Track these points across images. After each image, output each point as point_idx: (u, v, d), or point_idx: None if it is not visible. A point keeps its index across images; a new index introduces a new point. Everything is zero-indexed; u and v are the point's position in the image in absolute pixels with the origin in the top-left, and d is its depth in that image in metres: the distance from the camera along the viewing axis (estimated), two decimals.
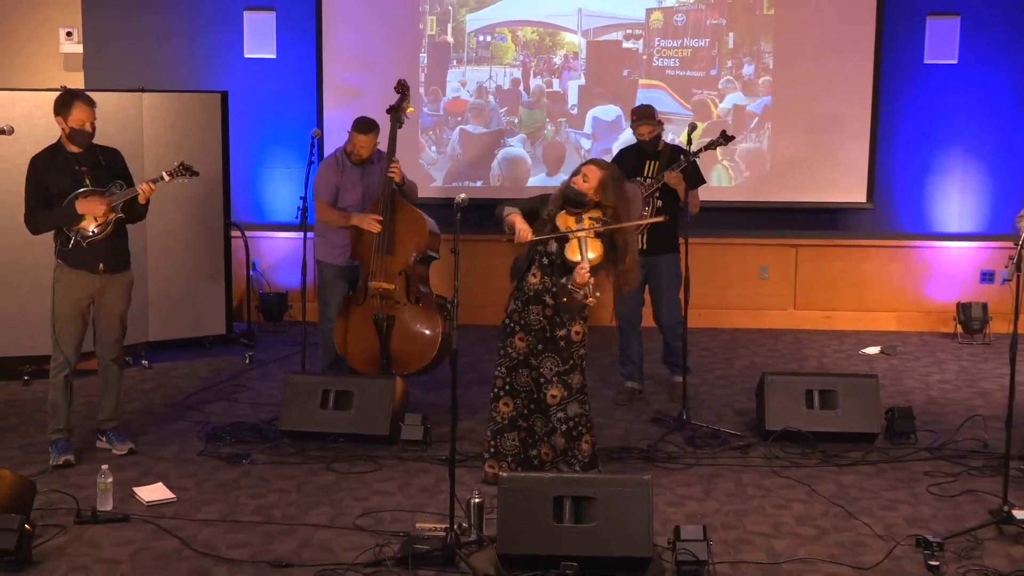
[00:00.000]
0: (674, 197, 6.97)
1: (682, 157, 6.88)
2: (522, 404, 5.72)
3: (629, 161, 7.14)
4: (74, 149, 5.92)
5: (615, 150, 9.17)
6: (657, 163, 7.00)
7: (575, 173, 5.70)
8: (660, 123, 7.13)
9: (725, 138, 6.98)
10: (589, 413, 5.77)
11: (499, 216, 5.74)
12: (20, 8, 9.63)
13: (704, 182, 7.26)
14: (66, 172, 5.90)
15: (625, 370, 7.37)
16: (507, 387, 5.73)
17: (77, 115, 5.85)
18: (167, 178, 6.04)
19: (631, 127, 7.21)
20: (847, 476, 5.98)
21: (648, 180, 6.95)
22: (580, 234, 5.49)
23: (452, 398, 5.09)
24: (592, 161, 5.79)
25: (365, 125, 7.02)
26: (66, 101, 5.88)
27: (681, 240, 6.93)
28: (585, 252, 5.45)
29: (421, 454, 6.23)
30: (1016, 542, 5.10)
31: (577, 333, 5.69)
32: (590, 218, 5.57)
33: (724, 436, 6.55)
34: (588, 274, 5.39)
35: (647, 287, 7.20)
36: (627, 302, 7.20)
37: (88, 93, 6.11)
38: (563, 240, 5.56)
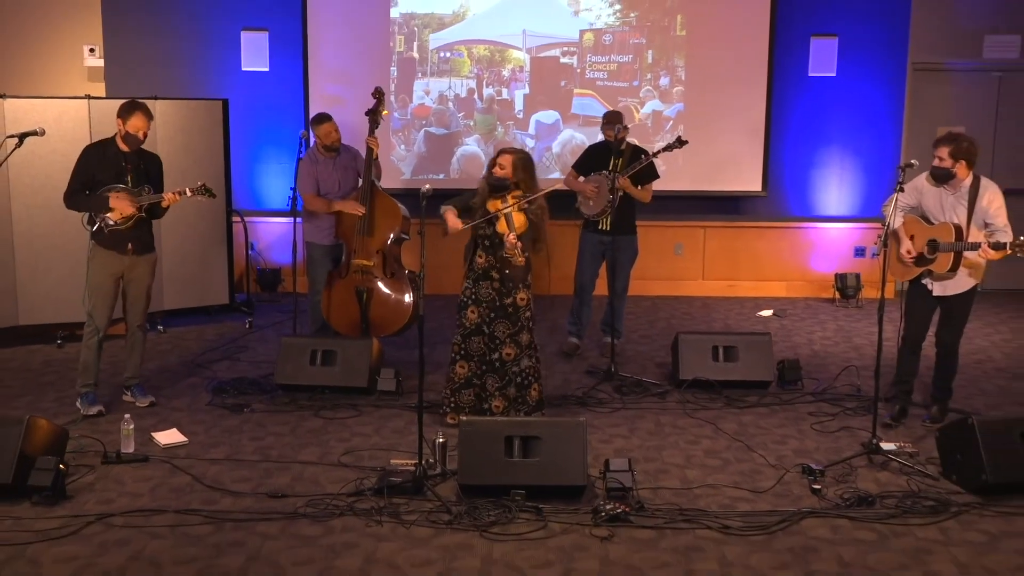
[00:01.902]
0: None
1: (643, 157, 6.88)
2: (475, 366, 5.70)
3: (597, 156, 7.15)
4: (124, 148, 5.85)
5: (555, 148, 9.23)
6: (621, 160, 6.99)
7: (491, 164, 5.68)
8: (626, 127, 7.10)
9: (680, 142, 6.93)
10: (537, 366, 5.78)
11: (441, 214, 5.71)
12: (49, 29, 9.48)
13: (658, 177, 7.21)
14: (113, 166, 5.84)
15: (573, 328, 7.39)
16: (462, 352, 5.72)
17: (135, 122, 5.80)
18: (189, 194, 5.95)
19: (602, 129, 7.17)
20: (746, 416, 6.04)
21: (614, 174, 6.94)
22: (506, 211, 5.50)
23: (420, 356, 5.08)
24: (503, 150, 5.73)
25: (318, 117, 7.12)
26: (130, 109, 5.83)
27: (642, 223, 6.95)
28: (512, 224, 5.47)
29: (394, 402, 6.21)
30: (882, 468, 5.19)
31: (522, 299, 5.69)
32: (513, 197, 5.57)
33: (646, 385, 6.58)
34: (516, 240, 5.41)
35: (605, 260, 7.20)
36: (586, 273, 7.23)
37: (113, 100, 6.01)
38: (495, 220, 5.57)
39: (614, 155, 7.01)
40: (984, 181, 5.58)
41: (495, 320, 5.66)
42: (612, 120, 7.07)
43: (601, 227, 7.06)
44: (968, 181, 5.56)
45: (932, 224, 5.64)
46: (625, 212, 6.99)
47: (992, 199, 5.51)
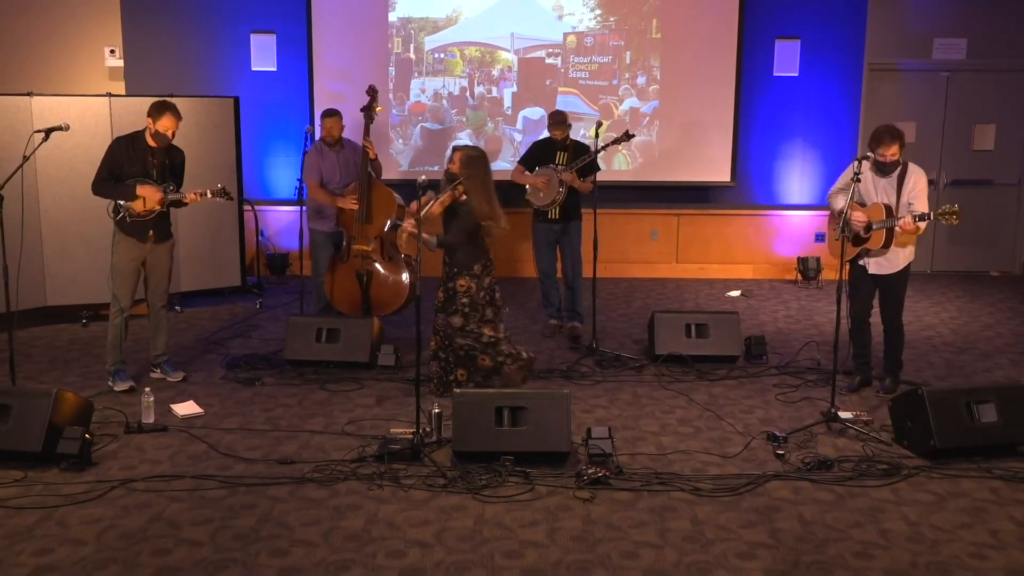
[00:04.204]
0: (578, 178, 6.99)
1: (592, 151, 6.85)
2: (440, 340, 5.73)
3: (543, 151, 7.13)
4: (153, 144, 5.77)
5: None
6: (566, 154, 7.00)
7: (449, 160, 5.73)
8: (569, 126, 7.10)
9: (627, 136, 6.94)
10: (477, 344, 5.66)
11: None
12: (72, 31, 9.38)
13: (600, 169, 7.13)
14: (141, 160, 5.75)
15: (548, 311, 7.37)
16: (434, 327, 5.77)
17: (164, 122, 5.69)
18: (209, 195, 5.88)
19: (547, 128, 7.17)
20: (716, 388, 6.05)
21: (560, 167, 6.94)
22: (437, 199, 5.51)
23: (416, 333, 5.07)
24: (456, 147, 5.77)
25: (328, 112, 7.13)
26: (160, 109, 5.71)
27: (588, 211, 6.89)
28: (424, 215, 5.41)
29: (393, 376, 6.20)
30: (840, 435, 5.21)
31: (462, 286, 5.66)
32: (456, 189, 5.55)
33: (624, 359, 6.58)
34: (408, 226, 5.59)
35: (559, 246, 7.20)
36: (544, 260, 7.21)
37: (132, 97, 5.94)
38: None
39: (559, 149, 7.02)
40: (911, 166, 5.64)
41: (444, 299, 5.73)
42: (556, 122, 7.07)
43: (551, 216, 7.06)
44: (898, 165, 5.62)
45: (866, 206, 5.68)
46: (571, 201, 6.99)
47: (917, 181, 5.58)
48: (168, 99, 5.99)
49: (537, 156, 7.15)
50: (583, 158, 6.85)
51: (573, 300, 7.19)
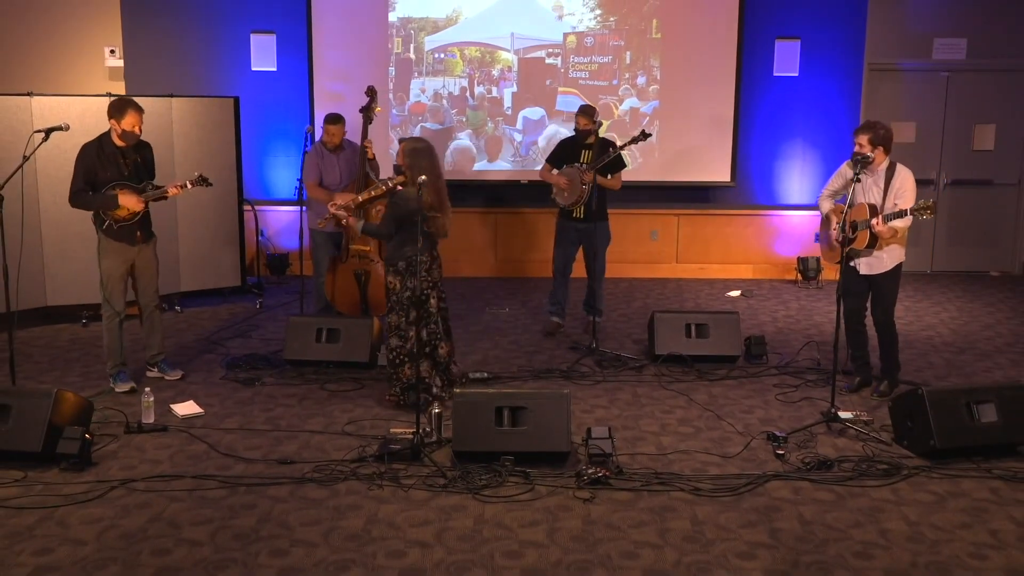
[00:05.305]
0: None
1: (611, 149, 6.83)
2: (411, 364, 5.55)
3: (569, 149, 7.10)
4: (120, 144, 5.72)
5: (541, 142, 9.20)
6: (591, 152, 6.95)
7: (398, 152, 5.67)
8: (597, 122, 7.02)
9: (644, 135, 6.89)
10: (404, 347, 5.50)
11: None
12: (72, 31, 9.39)
13: (625, 166, 7.15)
14: (112, 163, 5.70)
15: (552, 308, 7.36)
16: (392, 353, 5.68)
17: (129, 120, 5.63)
18: (189, 186, 5.84)
19: (576, 117, 7.09)
20: (716, 388, 6.05)
21: (584, 165, 6.92)
22: (372, 190, 5.69)
23: (416, 333, 5.06)
24: (401, 139, 5.72)
25: (332, 117, 7.07)
26: (120, 108, 5.64)
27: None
28: (357, 200, 5.71)
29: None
30: (840, 435, 5.21)
31: (390, 282, 5.55)
32: (396, 180, 5.56)
33: (624, 359, 6.58)
34: (341, 209, 5.62)
35: (581, 246, 7.18)
36: (562, 258, 7.19)
37: (132, 98, 5.93)
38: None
39: (584, 148, 7.00)
40: (899, 166, 5.63)
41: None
42: (585, 112, 7.02)
43: (576, 215, 7.03)
44: (884, 165, 5.62)
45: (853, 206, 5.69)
46: (597, 200, 6.95)
47: (904, 181, 5.56)
48: (123, 96, 5.92)
49: (562, 154, 7.13)
50: (603, 157, 6.82)
51: (594, 298, 7.15)
